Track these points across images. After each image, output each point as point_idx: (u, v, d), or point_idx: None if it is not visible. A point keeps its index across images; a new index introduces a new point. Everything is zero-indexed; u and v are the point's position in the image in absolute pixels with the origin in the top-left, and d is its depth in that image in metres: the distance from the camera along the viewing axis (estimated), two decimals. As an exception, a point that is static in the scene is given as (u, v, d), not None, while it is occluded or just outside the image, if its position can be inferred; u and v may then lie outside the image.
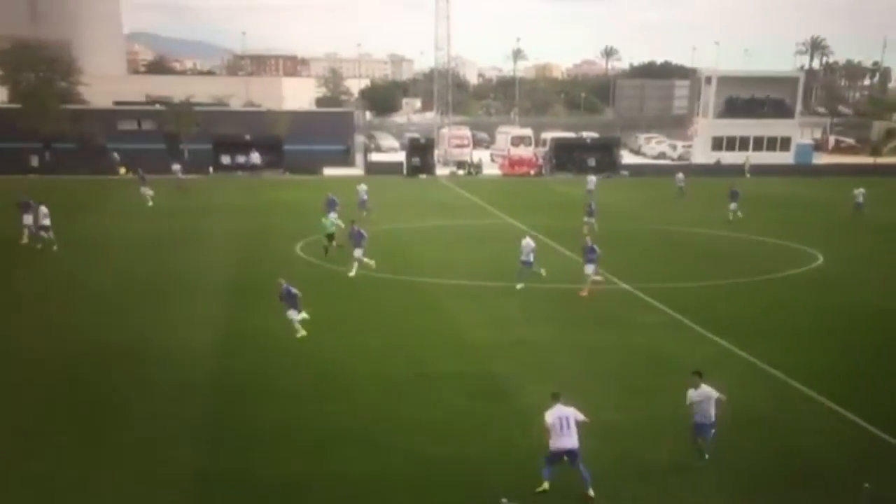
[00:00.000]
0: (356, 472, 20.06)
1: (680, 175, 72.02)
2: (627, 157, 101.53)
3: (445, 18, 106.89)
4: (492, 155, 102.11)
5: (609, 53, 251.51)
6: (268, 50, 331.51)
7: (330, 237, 44.52)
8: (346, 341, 30.26)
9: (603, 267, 41.58)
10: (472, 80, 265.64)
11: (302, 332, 29.85)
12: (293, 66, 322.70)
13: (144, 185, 63.58)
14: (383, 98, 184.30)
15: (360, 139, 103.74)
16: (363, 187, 60.03)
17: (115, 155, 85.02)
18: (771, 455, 21.34)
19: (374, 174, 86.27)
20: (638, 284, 38.84)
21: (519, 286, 37.46)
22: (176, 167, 73.68)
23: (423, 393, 25.30)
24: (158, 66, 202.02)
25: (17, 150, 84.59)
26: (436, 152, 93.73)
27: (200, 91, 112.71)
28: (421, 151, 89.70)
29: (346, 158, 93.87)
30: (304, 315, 30.21)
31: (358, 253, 39.81)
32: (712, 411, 20.37)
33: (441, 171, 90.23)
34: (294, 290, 29.97)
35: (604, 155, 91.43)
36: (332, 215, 49.13)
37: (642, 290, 37.93)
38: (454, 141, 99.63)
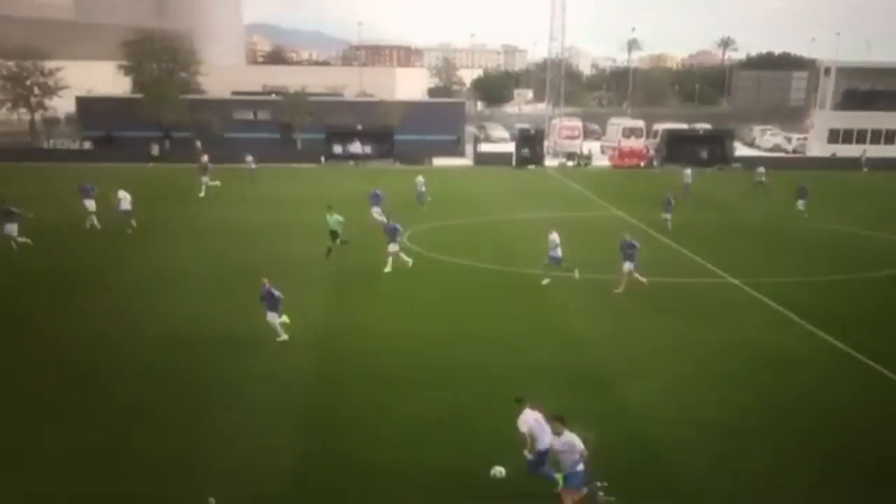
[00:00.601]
0: (452, 459, 20.22)
1: (761, 169, 69.86)
2: (740, 150, 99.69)
3: (561, 8, 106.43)
4: (602, 146, 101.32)
5: (726, 44, 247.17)
6: (382, 40, 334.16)
7: (333, 235, 41.79)
8: (448, 331, 30.41)
9: (710, 261, 41.19)
10: (586, 70, 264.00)
11: (283, 336, 28.75)
12: (407, 56, 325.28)
13: (205, 175, 63.27)
14: (495, 88, 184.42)
15: (470, 129, 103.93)
16: (421, 179, 59.43)
17: (198, 143, 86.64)
18: (885, 462, 20.87)
19: (483, 165, 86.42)
20: (744, 279, 38.11)
21: (544, 281, 36.98)
22: (249, 158, 73.71)
23: (523, 383, 25.01)
24: (276, 57, 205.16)
25: (139, 139, 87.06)
26: (546, 143, 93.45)
27: (315, 81, 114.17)
28: (531, 142, 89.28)
29: (455, 149, 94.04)
30: (284, 318, 29.06)
31: (392, 248, 39.08)
32: (578, 462, 17.58)
33: (550, 162, 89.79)
34: (276, 293, 28.67)
35: (716, 147, 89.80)
36: (376, 209, 48.99)
37: (748, 285, 37.20)
38: (565, 132, 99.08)
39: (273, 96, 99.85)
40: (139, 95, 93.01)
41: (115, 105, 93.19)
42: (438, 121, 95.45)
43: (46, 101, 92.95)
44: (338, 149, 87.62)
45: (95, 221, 48.25)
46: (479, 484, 18.93)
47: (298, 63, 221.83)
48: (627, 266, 35.63)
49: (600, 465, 19.81)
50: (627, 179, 77.76)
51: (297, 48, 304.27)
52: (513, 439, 18.77)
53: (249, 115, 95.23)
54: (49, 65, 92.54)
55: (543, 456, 18.74)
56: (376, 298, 34.75)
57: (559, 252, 37.02)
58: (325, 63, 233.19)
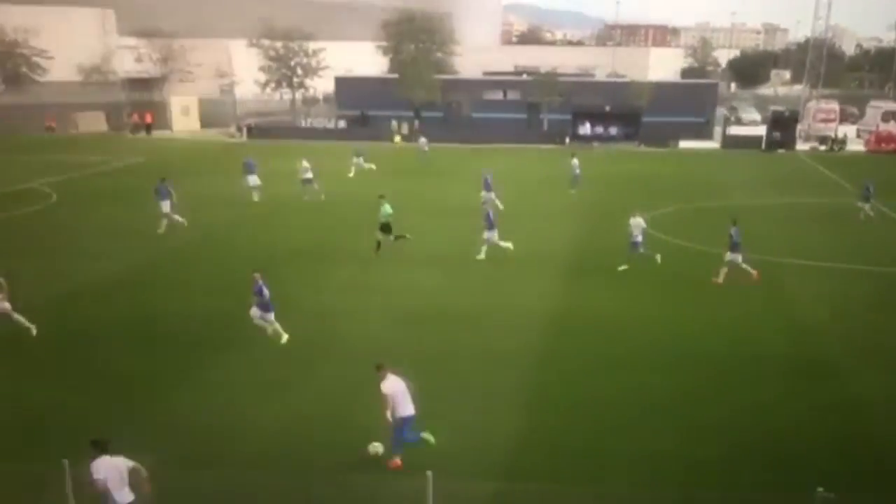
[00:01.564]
0: (667, 448, 19.84)
1: None
2: None
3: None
4: (858, 130, 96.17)
5: None
6: (640, 20, 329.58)
7: (384, 228, 38.09)
8: (673, 317, 29.82)
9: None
10: (849, 50, 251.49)
11: (284, 337, 26.77)
12: (663, 35, 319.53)
13: (358, 157, 62.98)
14: (751, 69, 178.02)
15: (720, 111, 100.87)
16: (575, 162, 56.84)
17: (394, 123, 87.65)
18: None
19: (731, 148, 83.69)
20: None
21: (621, 268, 35.71)
22: (422, 140, 73.10)
23: (746, 373, 24.54)
24: (530, 37, 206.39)
25: (390, 119, 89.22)
26: (798, 127, 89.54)
27: (568, 61, 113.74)
28: (783, 125, 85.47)
29: (703, 131, 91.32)
30: (272, 321, 26.77)
31: (488, 235, 37.42)
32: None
33: (801, 146, 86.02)
34: (266, 291, 26.43)
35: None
36: (490, 194, 47.10)
37: None
38: (820, 115, 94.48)
39: (524, 76, 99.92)
40: (393, 76, 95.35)
41: (369, 85, 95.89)
42: (688, 102, 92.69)
43: (307, 81, 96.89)
44: (583, 130, 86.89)
45: (255, 196, 50.36)
46: (689, 473, 18.64)
47: (552, 43, 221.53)
48: (730, 256, 33.84)
49: (823, 461, 19.01)
50: (882, 165, 73.37)
51: (552, 28, 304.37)
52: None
53: (499, 96, 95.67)
54: (313, 45, 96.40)
55: (406, 423, 18.82)
56: (602, 280, 34.45)
57: (640, 238, 35.97)
58: (578, 43, 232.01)
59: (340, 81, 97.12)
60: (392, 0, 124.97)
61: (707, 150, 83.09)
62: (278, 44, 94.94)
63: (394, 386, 18.79)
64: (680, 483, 18.39)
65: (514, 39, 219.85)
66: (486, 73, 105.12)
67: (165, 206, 42.56)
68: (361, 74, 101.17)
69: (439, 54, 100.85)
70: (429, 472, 14.56)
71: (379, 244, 37.83)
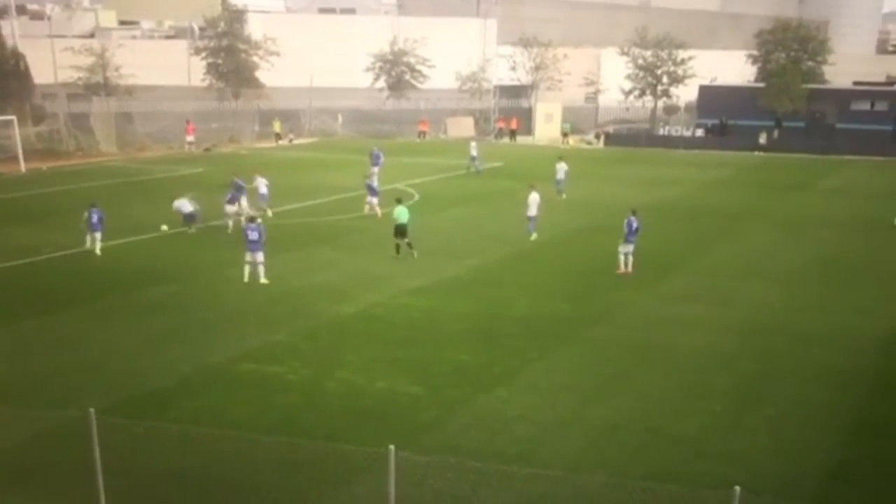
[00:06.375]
0: None
1: None
2: None
3: None
4: None
5: None
6: None
7: (400, 231, 36.82)
8: None
9: None
10: None
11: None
12: None
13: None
14: None
15: None
16: (562, 165, 53.55)
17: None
18: None
19: None
20: None
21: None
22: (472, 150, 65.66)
23: None
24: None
25: (750, 128, 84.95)
26: None
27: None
28: None
29: None
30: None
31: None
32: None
33: None
34: (96, 217, 35.01)
35: None
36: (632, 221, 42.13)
37: None
38: None
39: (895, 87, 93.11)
40: (757, 84, 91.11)
41: (733, 93, 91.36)
42: None
43: (672, 90, 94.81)
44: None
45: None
46: None
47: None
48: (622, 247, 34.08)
49: None
50: None
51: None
52: None
53: (866, 106, 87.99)
54: (682, 54, 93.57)
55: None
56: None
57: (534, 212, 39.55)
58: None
59: (704, 90, 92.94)
60: (771, 9, 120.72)
61: None
62: (647, 52, 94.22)
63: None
64: None
65: (891, 48, 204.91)
66: (855, 83, 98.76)
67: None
68: (726, 83, 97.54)
69: (810, 63, 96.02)
70: (736, 487, 13.98)
71: (398, 247, 36.83)
